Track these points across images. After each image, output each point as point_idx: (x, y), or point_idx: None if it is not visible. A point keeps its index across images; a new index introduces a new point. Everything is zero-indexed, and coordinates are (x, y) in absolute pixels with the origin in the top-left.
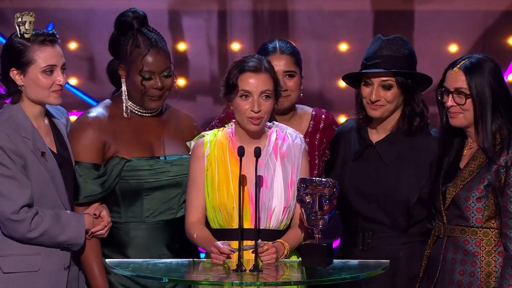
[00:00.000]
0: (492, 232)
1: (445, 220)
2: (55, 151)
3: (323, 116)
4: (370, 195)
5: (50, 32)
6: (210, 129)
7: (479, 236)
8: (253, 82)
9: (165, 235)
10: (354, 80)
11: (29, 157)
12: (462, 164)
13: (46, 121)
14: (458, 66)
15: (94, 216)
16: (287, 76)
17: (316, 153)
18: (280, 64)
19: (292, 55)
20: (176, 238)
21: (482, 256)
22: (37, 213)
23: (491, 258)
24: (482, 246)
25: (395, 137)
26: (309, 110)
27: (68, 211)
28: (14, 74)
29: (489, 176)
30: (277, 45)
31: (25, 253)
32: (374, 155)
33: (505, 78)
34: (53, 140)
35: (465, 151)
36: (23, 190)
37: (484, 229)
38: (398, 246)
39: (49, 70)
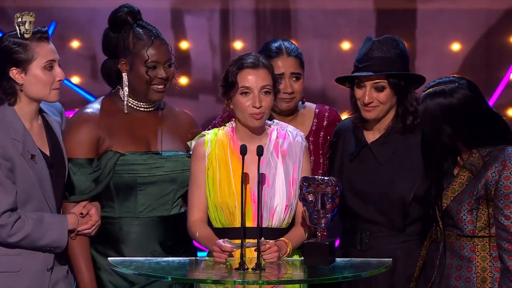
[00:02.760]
0: (487, 238)
1: (441, 225)
2: (47, 152)
3: (326, 113)
4: (367, 196)
5: (44, 29)
6: (213, 127)
7: (474, 241)
8: (252, 78)
9: (159, 232)
10: (350, 81)
11: (18, 160)
12: (455, 172)
13: (40, 120)
14: (423, 91)
15: (80, 215)
16: (294, 79)
17: (321, 151)
18: (287, 66)
19: (297, 57)
20: (170, 236)
21: (477, 261)
22: (20, 218)
23: (486, 264)
24: (477, 251)
25: (390, 137)
26: (312, 107)
27: (52, 214)
28: (14, 73)
29: (478, 189)
30: (283, 46)
31: (7, 254)
32: (370, 155)
33: (507, 76)
34: (46, 141)
35: (459, 158)
36: (6, 195)
37: (479, 237)
38: (395, 246)
39: (49, 65)
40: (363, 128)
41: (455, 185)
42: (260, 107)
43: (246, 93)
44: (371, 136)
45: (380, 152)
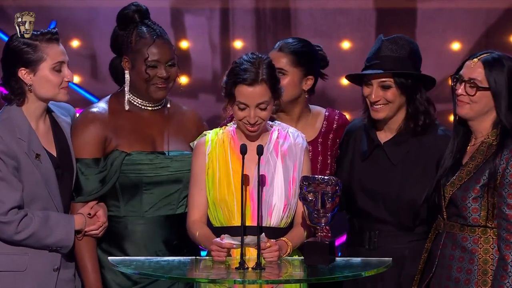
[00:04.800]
0: (490, 230)
1: (445, 216)
2: (54, 153)
3: (336, 116)
4: (378, 195)
5: (54, 30)
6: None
7: (478, 233)
8: (249, 95)
9: (163, 231)
10: (360, 79)
11: (22, 158)
12: (464, 161)
13: (47, 121)
14: (478, 57)
15: (88, 215)
16: (280, 74)
17: (329, 153)
18: (274, 60)
19: (290, 54)
20: (174, 235)
21: (480, 253)
22: (26, 215)
23: (489, 256)
24: (480, 243)
25: (403, 137)
26: (322, 110)
27: (59, 213)
28: (23, 73)
29: (485, 177)
30: (282, 43)
31: (13, 253)
32: (382, 155)
33: None
34: (53, 142)
35: (468, 147)
36: (13, 192)
37: (482, 228)
38: (403, 245)
39: (58, 67)
40: (375, 128)
41: (463, 173)
42: (255, 122)
43: (242, 108)
44: (383, 136)
45: (393, 153)
